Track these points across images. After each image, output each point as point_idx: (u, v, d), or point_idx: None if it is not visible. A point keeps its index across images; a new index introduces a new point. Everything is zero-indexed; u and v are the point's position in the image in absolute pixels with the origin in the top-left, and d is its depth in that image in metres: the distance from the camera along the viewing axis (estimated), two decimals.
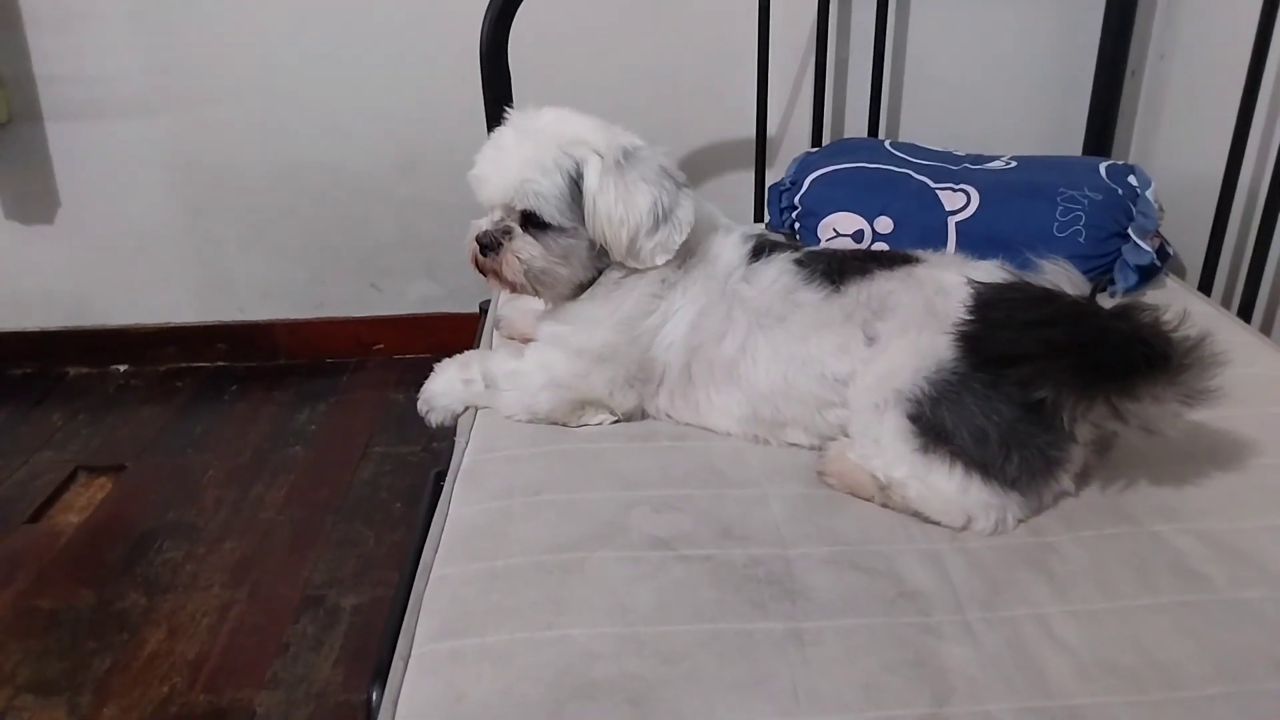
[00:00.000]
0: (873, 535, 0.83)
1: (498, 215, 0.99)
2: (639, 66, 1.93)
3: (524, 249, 0.98)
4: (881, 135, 1.82)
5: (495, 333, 1.24)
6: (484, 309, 1.63)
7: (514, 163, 0.96)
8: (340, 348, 2.19)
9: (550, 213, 0.96)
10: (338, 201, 2.06)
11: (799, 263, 0.98)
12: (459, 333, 2.18)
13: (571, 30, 1.88)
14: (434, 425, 1.14)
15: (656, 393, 1.01)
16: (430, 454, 1.82)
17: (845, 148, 1.62)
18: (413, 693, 0.67)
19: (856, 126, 1.88)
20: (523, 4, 1.44)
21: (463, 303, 2.17)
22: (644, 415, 1.02)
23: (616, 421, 1.01)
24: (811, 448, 0.95)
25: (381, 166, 2.03)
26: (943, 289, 0.90)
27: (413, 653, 0.70)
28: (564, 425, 1.02)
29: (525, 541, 0.81)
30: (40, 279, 2.09)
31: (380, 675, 0.81)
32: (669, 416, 1.02)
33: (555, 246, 0.98)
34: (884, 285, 0.93)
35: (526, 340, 1.18)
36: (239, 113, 1.97)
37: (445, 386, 1.11)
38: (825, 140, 1.80)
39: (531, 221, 0.97)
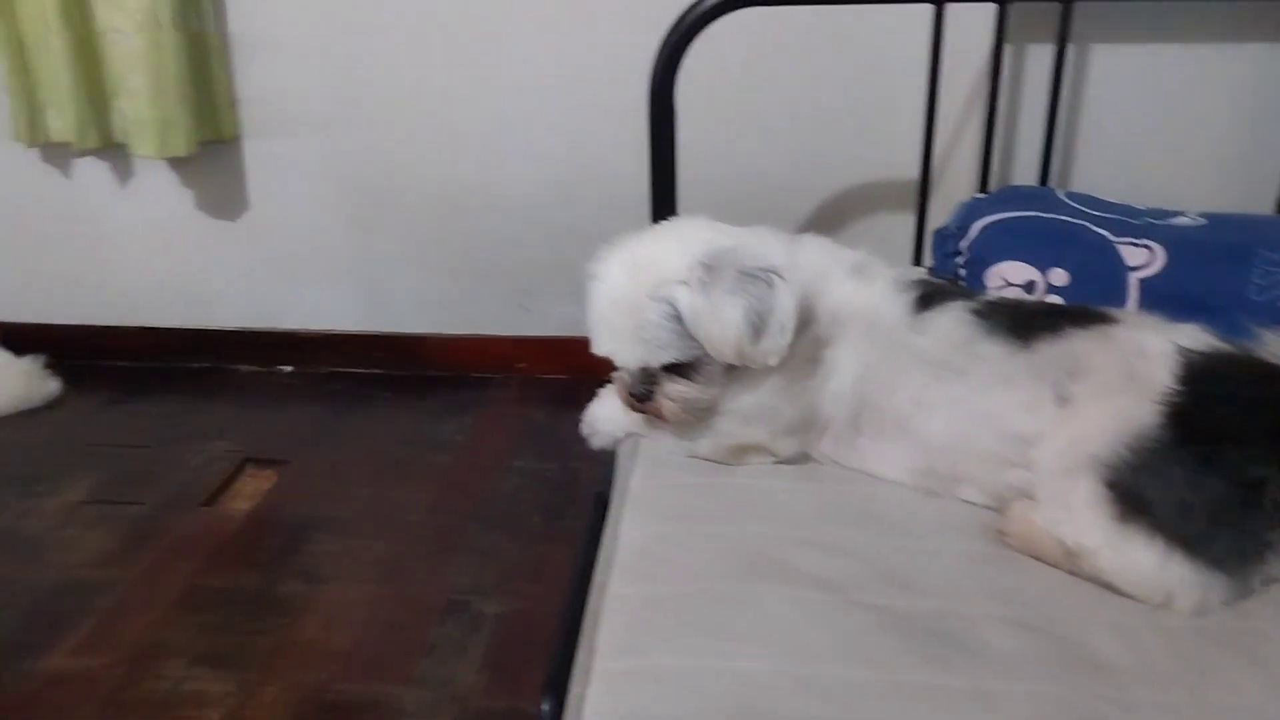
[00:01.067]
0: (1059, 601, 0.81)
1: (636, 369, 1.02)
2: (795, 102, 1.95)
3: (674, 391, 1.01)
4: (1052, 184, 1.78)
5: None
6: None
7: (628, 334, 0.99)
8: (486, 363, 2.27)
9: (681, 356, 0.98)
10: (492, 224, 2.15)
11: (977, 313, 0.97)
12: (598, 357, 2.24)
13: (731, 65, 1.91)
14: (596, 448, 1.17)
15: (820, 438, 1.02)
16: (569, 473, 1.87)
17: (1016, 195, 1.60)
18: (596, 707, 0.70)
19: (1023, 174, 1.85)
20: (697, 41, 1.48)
21: None
22: (807, 458, 1.03)
23: (779, 461, 1.03)
24: (986, 505, 0.94)
25: (536, 192, 2.11)
26: (1144, 353, 0.88)
27: (594, 667, 0.74)
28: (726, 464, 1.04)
29: (696, 569, 0.83)
30: (223, 281, 2.25)
31: (553, 687, 0.85)
32: (833, 461, 1.03)
33: (700, 377, 1.00)
34: (1078, 344, 0.91)
35: None
36: (406, 136, 2.09)
37: (610, 412, 1.15)
38: (991, 186, 1.78)
39: (670, 367, 1.00)
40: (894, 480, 0.99)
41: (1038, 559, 0.86)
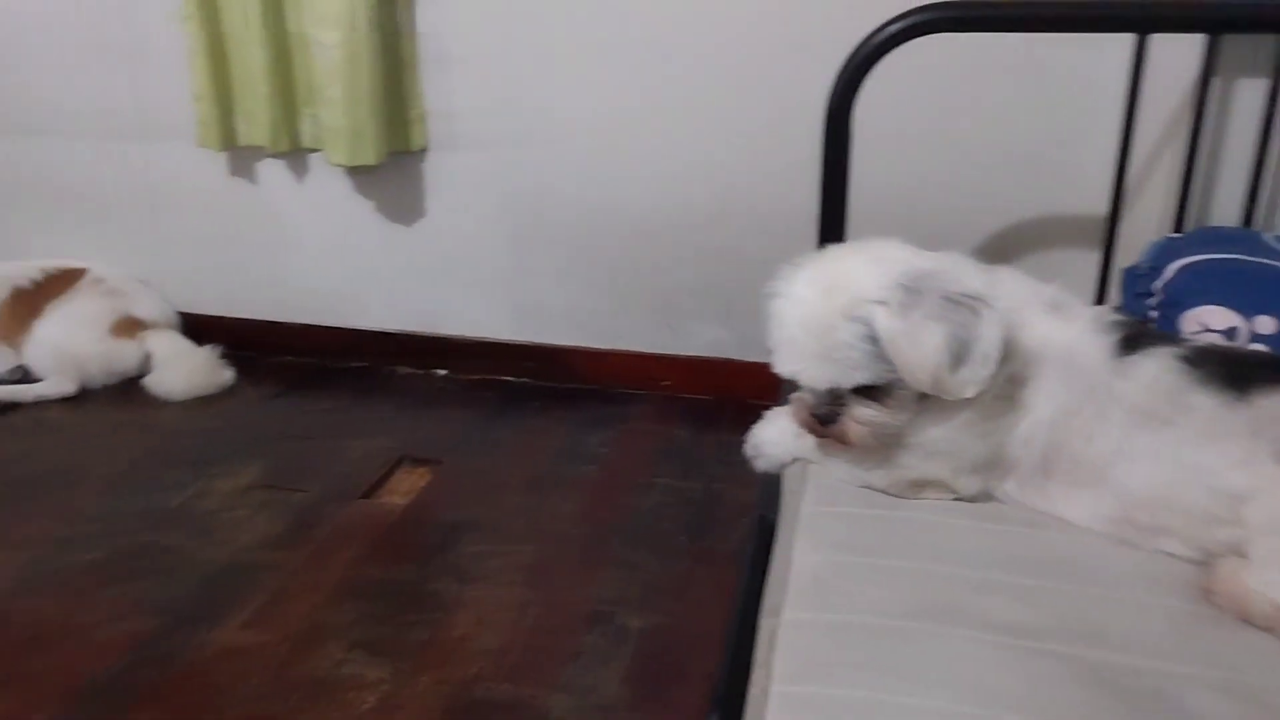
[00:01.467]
0: (1271, 669, 0.76)
1: (822, 391, 0.99)
2: (974, 131, 1.91)
3: (863, 415, 0.97)
4: (1257, 226, 1.68)
5: None
6: None
7: (818, 354, 0.96)
8: (631, 379, 2.30)
9: (874, 379, 0.95)
10: (645, 244, 2.19)
11: (1186, 360, 0.93)
12: (743, 379, 2.25)
13: (914, 91, 1.89)
14: (759, 471, 1.17)
15: (1004, 478, 0.99)
16: (712, 493, 1.88)
17: (1217, 236, 1.51)
18: None
19: (1222, 214, 1.76)
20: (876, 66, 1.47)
21: (750, 351, 2.23)
22: (988, 497, 1.01)
23: (956, 499, 1.00)
24: (1187, 559, 0.90)
25: (690, 213, 2.13)
26: None
27: (772, 690, 0.73)
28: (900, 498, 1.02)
29: (874, 601, 0.82)
30: (388, 285, 2.36)
31: (721, 705, 0.86)
32: (1017, 502, 1.00)
33: (891, 402, 0.97)
34: None
35: None
36: (570, 155, 2.15)
37: (777, 436, 1.14)
38: (1187, 226, 1.69)
39: (860, 390, 0.97)
40: (1084, 527, 0.95)
41: (1246, 621, 0.82)
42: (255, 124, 2.16)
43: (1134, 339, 0.97)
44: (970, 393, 0.94)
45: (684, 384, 2.29)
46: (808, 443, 1.09)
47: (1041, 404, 0.96)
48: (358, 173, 2.25)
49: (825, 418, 0.99)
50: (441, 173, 2.23)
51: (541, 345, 2.33)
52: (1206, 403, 0.89)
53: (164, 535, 1.70)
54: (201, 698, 1.33)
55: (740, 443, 2.07)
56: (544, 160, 2.17)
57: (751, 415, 2.23)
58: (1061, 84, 1.83)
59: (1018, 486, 0.99)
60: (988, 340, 0.92)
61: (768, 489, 1.18)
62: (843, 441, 1.00)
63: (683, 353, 2.27)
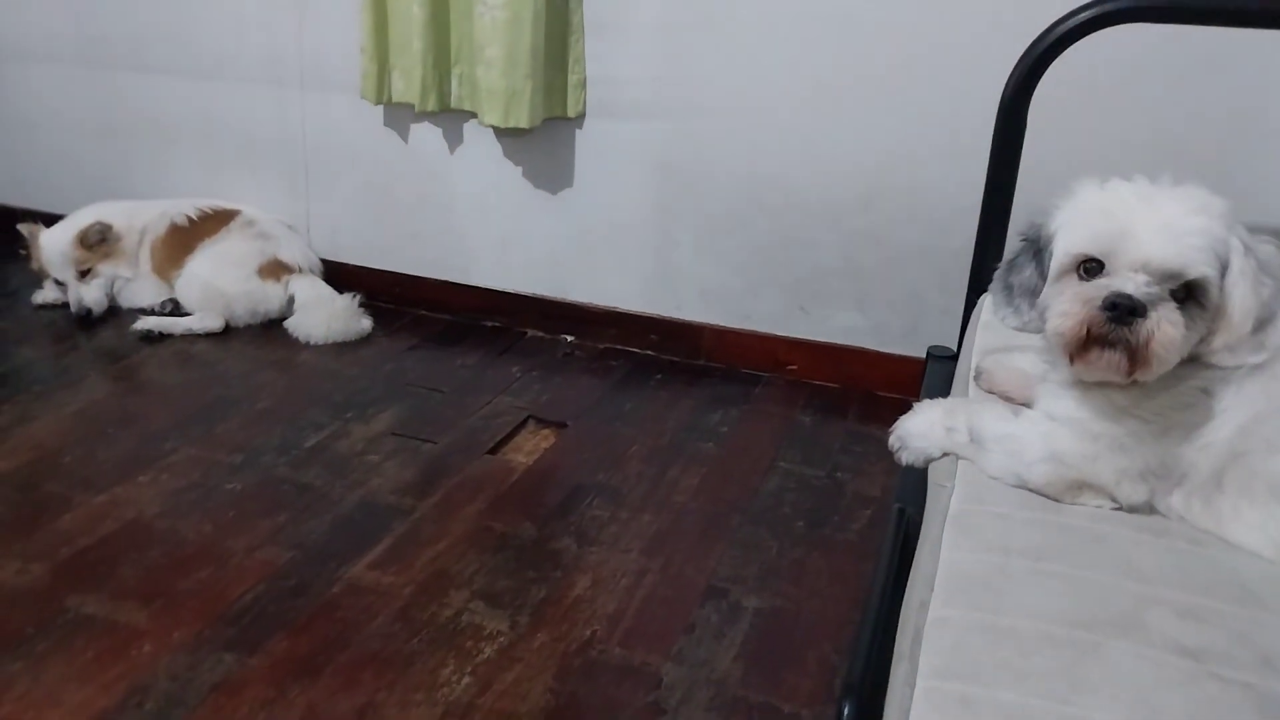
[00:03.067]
0: None
1: (1141, 279, 0.88)
2: (1149, 128, 1.81)
3: (1175, 321, 0.86)
4: None
5: (973, 384, 1.22)
6: (933, 354, 1.62)
7: (1187, 228, 0.88)
8: (757, 360, 2.28)
9: (1212, 291, 0.88)
10: (789, 223, 2.16)
11: None
12: (874, 368, 2.20)
13: (1088, 85, 1.80)
14: (904, 464, 1.13)
15: (1171, 490, 0.94)
16: (835, 482, 1.85)
17: None
18: None
19: None
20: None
21: (885, 340, 2.18)
22: (1150, 510, 0.95)
23: (1117, 508, 0.95)
24: None
25: (840, 195, 2.09)
26: None
27: (919, 684, 0.72)
28: (1055, 500, 0.98)
29: (1031, 607, 0.79)
30: (526, 250, 2.40)
31: (854, 692, 0.84)
32: (1180, 518, 0.94)
33: (1195, 326, 0.88)
34: None
35: (1009, 399, 1.16)
36: (719, 126, 2.13)
37: (925, 429, 1.10)
38: None
39: (1179, 296, 0.88)
40: (1252, 551, 0.89)
41: None
42: (409, 81, 2.21)
43: None
44: (1253, 358, 0.89)
45: (811, 369, 2.25)
46: (957, 439, 1.06)
47: (1233, 408, 0.90)
48: (510, 136, 2.28)
49: (1132, 308, 0.85)
50: (594, 139, 2.25)
51: (670, 319, 2.33)
52: None
53: (301, 472, 1.78)
54: (331, 630, 1.39)
55: (867, 434, 2.05)
56: (698, 133, 2.16)
57: (880, 407, 2.20)
58: (1246, 80, 1.71)
59: (1184, 500, 0.93)
60: None
61: (909, 481, 1.15)
62: (1137, 352, 0.87)
63: (813, 337, 2.23)
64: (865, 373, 2.21)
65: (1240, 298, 0.88)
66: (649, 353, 2.36)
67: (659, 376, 2.26)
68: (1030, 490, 0.97)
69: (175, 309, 2.40)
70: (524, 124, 2.10)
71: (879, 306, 2.16)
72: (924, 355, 1.66)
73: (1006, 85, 1.40)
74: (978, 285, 1.50)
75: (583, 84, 2.19)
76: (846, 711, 0.81)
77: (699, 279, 2.28)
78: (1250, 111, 1.75)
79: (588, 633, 1.42)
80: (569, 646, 1.39)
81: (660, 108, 2.16)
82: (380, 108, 2.35)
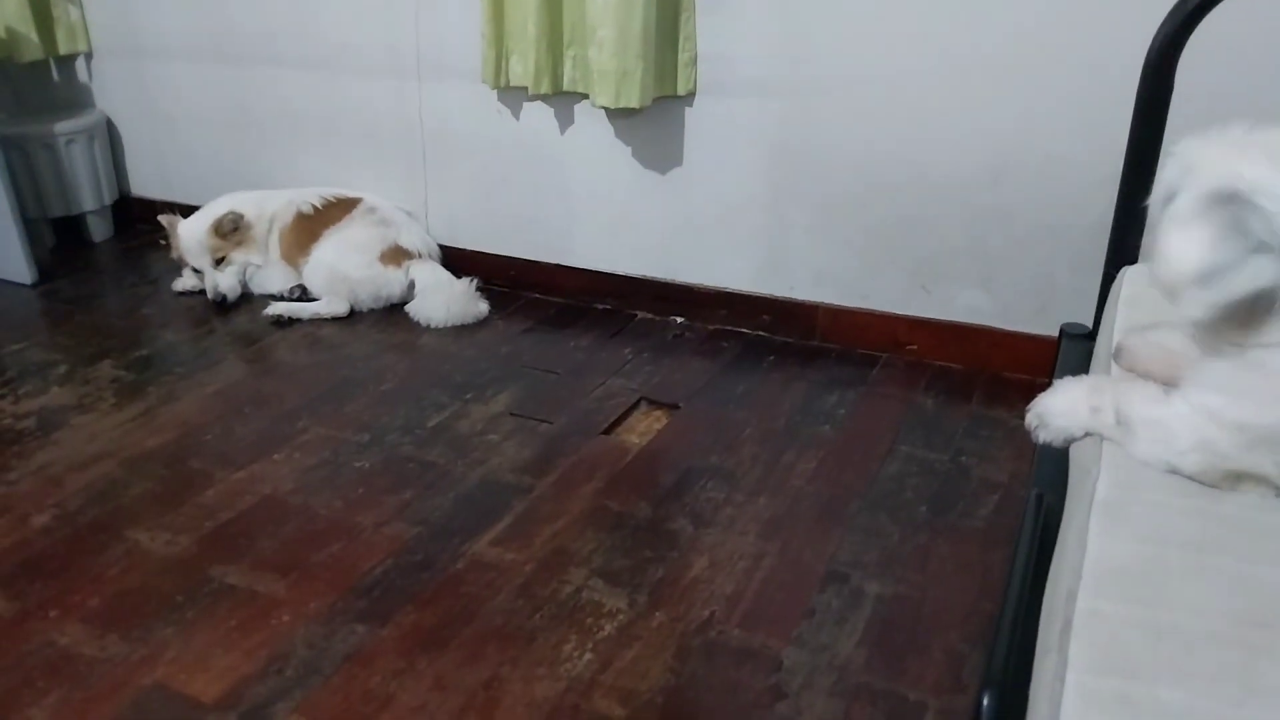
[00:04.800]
0: None
1: None
2: None
3: None
4: None
5: (1114, 364, 1.16)
6: (1067, 332, 1.55)
7: None
8: (874, 341, 2.23)
9: None
10: (910, 200, 2.09)
11: None
12: (1000, 349, 2.12)
13: (1247, 35, 1.68)
14: (1040, 442, 1.09)
15: None
16: (959, 466, 1.79)
17: None
18: None
19: None
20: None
21: (1011, 319, 2.10)
22: None
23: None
24: None
25: (965, 171, 2.01)
26: None
27: (1069, 679, 0.68)
28: (1212, 488, 0.92)
29: (1194, 602, 0.74)
30: (637, 233, 2.40)
31: (996, 682, 0.81)
32: None
33: None
34: None
35: (1151, 378, 1.09)
36: (838, 103, 2.08)
37: (1068, 407, 1.05)
38: None
39: None
40: None
41: None
42: (525, 64, 2.23)
43: None
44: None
45: (933, 350, 2.19)
46: (1102, 420, 1.00)
47: None
48: (621, 116, 2.28)
49: None
50: (706, 119, 2.22)
51: (783, 299, 2.29)
52: None
53: (424, 451, 1.83)
54: (456, 604, 1.43)
55: (993, 418, 1.97)
56: (813, 111, 2.11)
57: (1007, 389, 2.12)
58: None
59: None
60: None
61: (1046, 465, 1.09)
62: None
63: (935, 316, 2.17)
64: (990, 353, 2.13)
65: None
66: (761, 334, 2.33)
67: (771, 358, 2.23)
68: (1184, 477, 0.91)
69: (303, 294, 2.49)
70: (635, 104, 2.10)
71: (1005, 285, 2.08)
72: (1055, 335, 1.59)
73: (1153, 42, 1.32)
74: (1118, 258, 1.42)
75: (693, 61, 2.16)
76: (986, 703, 0.78)
77: (814, 260, 2.24)
78: None
79: (706, 613, 1.41)
80: (688, 627, 1.39)
81: (774, 85, 2.12)
82: (495, 93, 2.38)
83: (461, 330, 2.36)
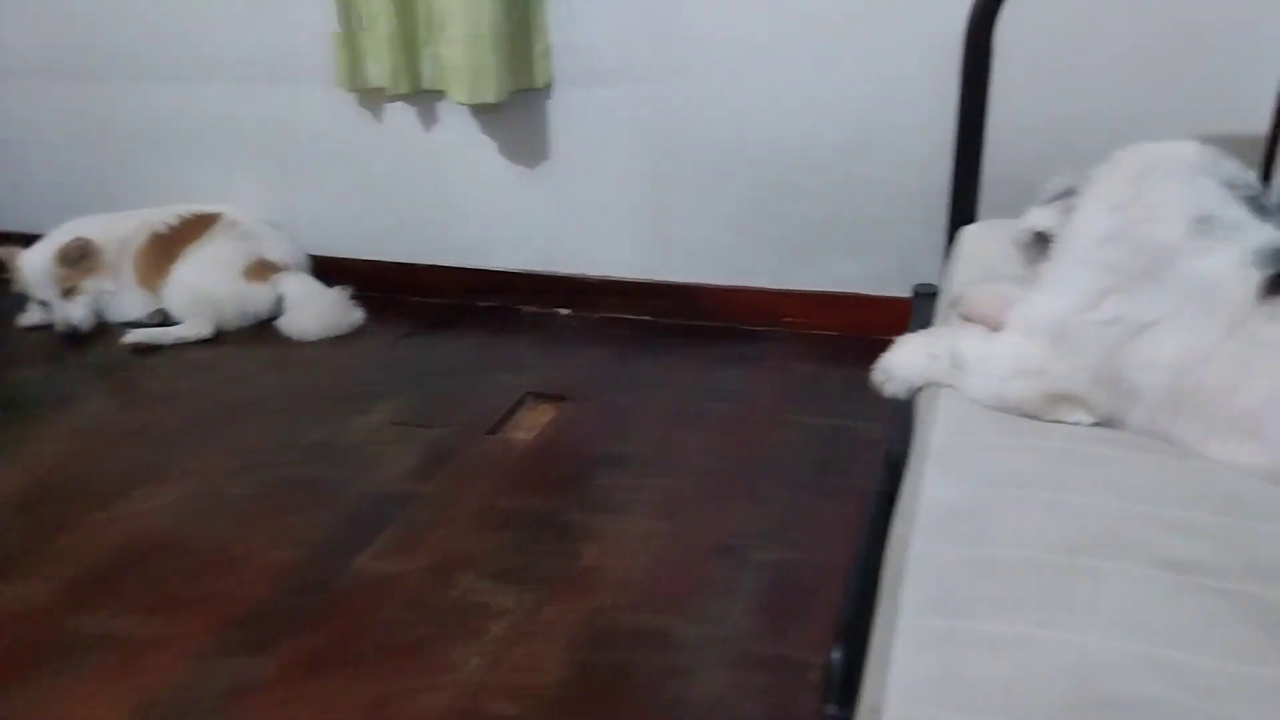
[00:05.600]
0: None
1: None
2: (1124, 45, 1.78)
3: None
4: None
5: (954, 313, 1.20)
6: (919, 293, 1.59)
7: None
8: (757, 316, 2.26)
9: None
10: (777, 176, 2.12)
11: None
12: (873, 313, 2.17)
13: (1059, 6, 1.75)
14: (888, 395, 1.13)
15: (1132, 408, 0.92)
16: (837, 429, 1.83)
17: None
18: (904, 664, 0.66)
19: None
20: None
21: (881, 285, 2.15)
22: (1124, 425, 0.93)
23: (1097, 424, 0.93)
24: None
25: (827, 144, 2.06)
26: None
27: (898, 624, 0.70)
28: (1036, 419, 0.96)
29: (1015, 535, 0.77)
30: (514, 227, 2.38)
31: (845, 636, 0.83)
32: (1151, 435, 0.92)
33: None
34: None
35: (987, 323, 1.13)
36: (704, 85, 2.10)
37: (908, 358, 1.10)
38: None
39: None
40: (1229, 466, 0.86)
41: None
42: (380, 65, 2.18)
43: None
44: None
45: (811, 320, 2.23)
46: (939, 366, 1.04)
47: (1158, 325, 0.88)
48: (484, 112, 2.25)
49: None
50: (571, 108, 2.22)
51: (669, 283, 2.31)
52: None
53: (304, 470, 1.78)
54: (341, 624, 1.39)
55: (869, 379, 2.02)
56: (679, 93, 2.12)
57: (880, 351, 2.17)
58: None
59: (1149, 419, 0.91)
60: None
61: (898, 421, 1.13)
62: None
63: (811, 288, 2.21)
64: (864, 318, 2.19)
65: None
66: (648, 318, 2.34)
67: (660, 342, 2.24)
68: (1010, 410, 0.95)
69: (165, 319, 2.40)
70: (491, 99, 2.08)
71: (871, 251, 2.13)
72: None
73: (971, 11, 1.36)
74: (958, 219, 1.47)
75: (548, 52, 2.15)
76: (836, 658, 0.80)
77: (693, 240, 2.25)
78: (1222, 24, 1.69)
79: (599, 601, 1.41)
80: (579, 616, 1.39)
81: (636, 70, 2.12)
82: (354, 96, 2.33)
83: (337, 341, 2.31)
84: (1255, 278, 0.85)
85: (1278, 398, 0.82)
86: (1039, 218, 1.01)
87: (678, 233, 2.25)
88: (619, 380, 2.07)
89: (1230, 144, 1.71)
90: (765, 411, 1.92)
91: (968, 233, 1.42)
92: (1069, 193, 1.00)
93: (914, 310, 1.54)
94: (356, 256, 2.52)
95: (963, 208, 1.47)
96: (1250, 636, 0.66)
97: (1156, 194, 0.93)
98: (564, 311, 2.40)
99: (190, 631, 1.39)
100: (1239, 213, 0.90)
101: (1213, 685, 0.63)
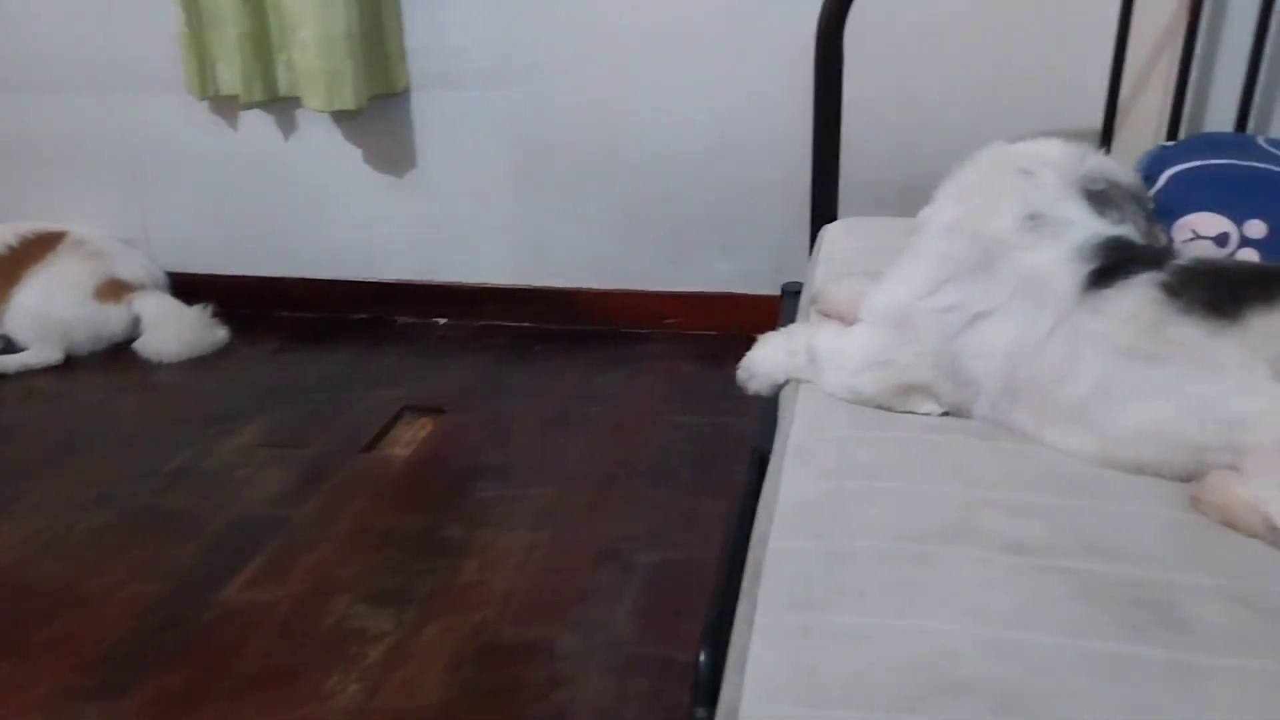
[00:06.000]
0: (1267, 573, 0.74)
1: None
2: (973, 48, 1.85)
3: None
4: (1251, 130, 1.62)
5: (813, 309, 1.23)
6: (786, 290, 1.62)
7: None
8: (637, 318, 2.27)
9: None
10: (650, 178, 2.13)
11: (1168, 288, 0.85)
12: (750, 312, 2.20)
13: (904, 10, 1.82)
14: (752, 393, 1.14)
15: (975, 398, 0.95)
16: (718, 427, 1.85)
17: (1209, 142, 1.45)
18: (761, 661, 0.67)
19: (1216, 121, 1.69)
20: None
21: (756, 284, 2.19)
22: (971, 414, 0.97)
23: (945, 414, 0.97)
24: (1174, 479, 0.86)
25: (697, 144, 2.08)
26: None
27: (756, 621, 0.71)
28: (890, 410, 0.99)
29: (867, 526, 0.79)
30: (385, 235, 2.32)
31: (710, 638, 0.83)
32: (993, 423, 0.96)
33: None
34: None
35: (844, 319, 1.16)
36: (571, 87, 2.09)
37: (769, 356, 1.12)
38: (1181, 134, 1.63)
39: None
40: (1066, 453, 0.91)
41: (1233, 529, 0.79)
42: (232, 70, 2.10)
43: (1112, 267, 0.88)
44: None
45: (690, 320, 2.25)
46: (798, 362, 1.07)
47: (991, 316, 0.92)
48: (343, 119, 2.19)
49: None
50: (435, 113, 2.18)
51: (545, 288, 2.29)
52: (1193, 334, 0.82)
53: (167, 498, 1.69)
54: (207, 659, 1.33)
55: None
56: (546, 95, 2.11)
57: None
58: None
59: (989, 408, 0.95)
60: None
61: (766, 418, 1.15)
62: None
63: (688, 289, 2.23)
64: (740, 317, 2.22)
65: None
66: (528, 324, 2.32)
67: (539, 348, 2.22)
68: (864, 402, 0.98)
69: (8, 347, 2.24)
70: (350, 105, 2.02)
71: (744, 250, 2.16)
72: None
73: (821, 14, 1.40)
74: (820, 217, 1.51)
75: (404, 56, 2.11)
76: (703, 660, 0.80)
77: (569, 244, 2.24)
78: (1061, 18, 1.78)
79: (478, 616, 1.39)
80: (461, 634, 1.36)
81: (502, 74, 2.10)
82: (207, 103, 2.23)
83: (200, 362, 2.21)
84: (1080, 272, 0.89)
85: (1102, 388, 0.86)
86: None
87: (554, 237, 2.24)
88: (499, 389, 2.04)
89: (1071, 136, 1.82)
90: (647, 413, 1.92)
91: (829, 230, 1.45)
92: None
93: (782, 308, 1.57)
94: (219, 272, 2.42)
95: (824, 206, 1.51)
96: (1085, 612, 0.70)
97: (995, 189, 0.97)
98: (441, 321, 2.35)
99: (43, 677, 1.30)
100: (1073, 210, 0.95)
101: (1052, 662, 0.65)
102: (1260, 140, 1.42)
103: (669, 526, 1.57)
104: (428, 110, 2.17)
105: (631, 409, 1.95)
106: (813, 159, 1.49)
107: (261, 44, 2.08)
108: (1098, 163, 1.01)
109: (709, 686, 0.78)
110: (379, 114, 2.17)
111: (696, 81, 2.03)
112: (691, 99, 2.05)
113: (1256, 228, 1.25)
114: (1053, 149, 1.01)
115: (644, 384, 2.05)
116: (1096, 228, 0.94)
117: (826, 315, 1.18)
